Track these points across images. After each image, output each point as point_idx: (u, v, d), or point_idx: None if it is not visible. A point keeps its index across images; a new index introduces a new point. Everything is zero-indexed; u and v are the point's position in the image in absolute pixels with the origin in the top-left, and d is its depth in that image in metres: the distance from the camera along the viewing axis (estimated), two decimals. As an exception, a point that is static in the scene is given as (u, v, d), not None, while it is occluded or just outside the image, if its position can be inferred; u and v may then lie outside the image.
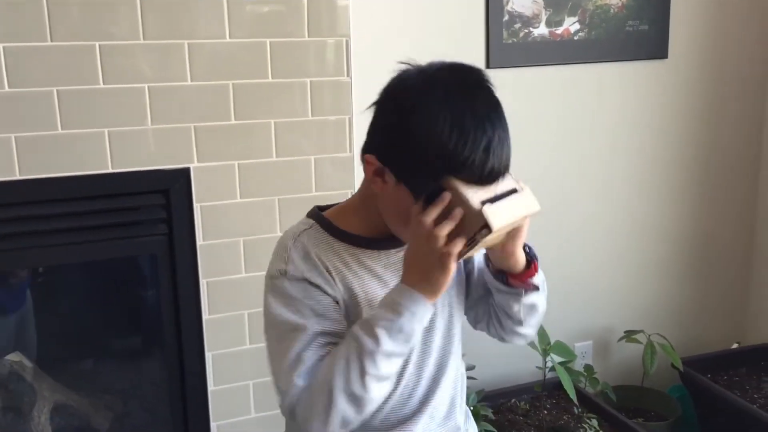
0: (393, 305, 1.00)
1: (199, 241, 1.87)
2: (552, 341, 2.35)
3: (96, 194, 1.78)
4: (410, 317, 1.00)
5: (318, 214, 1.14)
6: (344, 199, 1.19)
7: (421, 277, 1.00)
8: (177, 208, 1.84)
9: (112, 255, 1.87)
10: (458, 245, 0.98)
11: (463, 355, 1.28)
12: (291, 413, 1.05)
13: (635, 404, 2.53)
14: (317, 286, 1.06)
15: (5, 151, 1.68)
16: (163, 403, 1.99)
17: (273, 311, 1.07)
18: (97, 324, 2.03)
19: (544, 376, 2.37)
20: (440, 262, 0.99)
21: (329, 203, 1.19)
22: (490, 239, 1.01)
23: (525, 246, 1.13)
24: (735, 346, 2.74)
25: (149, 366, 2.05)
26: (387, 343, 0.99)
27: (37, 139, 1.70)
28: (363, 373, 0.99)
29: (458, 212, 0.99)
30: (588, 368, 2.47)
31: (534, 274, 1.15)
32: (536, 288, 1.16)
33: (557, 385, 2.34)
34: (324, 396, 1.00)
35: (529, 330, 1.22)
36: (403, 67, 1.06)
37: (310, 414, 1.02)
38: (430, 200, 1.00)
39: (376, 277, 1.11)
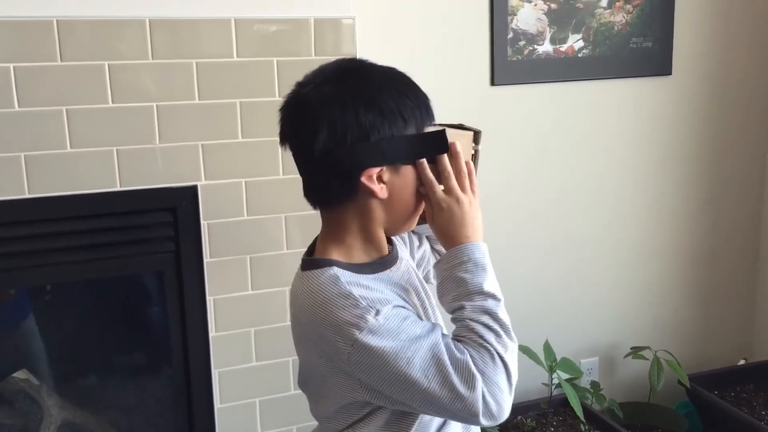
0: (464, 270, 1.08)
1: (206, 259, 1.88)
2: (558, 358, 2.34)
3: (104, 212, 1.80)
4: (487, 267, 1.10)
5: (329, 267, 1.08)
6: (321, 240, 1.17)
7: (453, 225, 1.10)
8: (184, 225, 1.85)
9: (119, 272, 1.88)
10: (473, 174, 1.13)
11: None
12: (486, 411, 1.03)
13: (642, 421, 2.51)
14: (397, 305, 1.06)
15: (15, 170, 1.70)
16: (169, 421, 1.99)
17: (391, 355, 1.01)
18: (104, 341, 2.03)
19: (551, 392, 2.36)
20: (468, 199, 1.11)
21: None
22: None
23: None
24: (742, 362, 2.73)
25: (156, 383, 2.06)
26: (492, 303, 1.08)
27: (47, 157, 1.72)
28: (495, 346, 1.05)
29: (457, 149, 1.10)
30: (594, 385, 2.46)
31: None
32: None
33: (564, 402, 2.33)
34: (492, 386, 1.03)
35: None
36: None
37: (496, 389, 1.03)
38: (432, 161, 1.11)
39: (404, 290, 1.14)
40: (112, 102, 1.75)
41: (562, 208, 2.48)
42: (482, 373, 1.02)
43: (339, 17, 1.88)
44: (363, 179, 1.06)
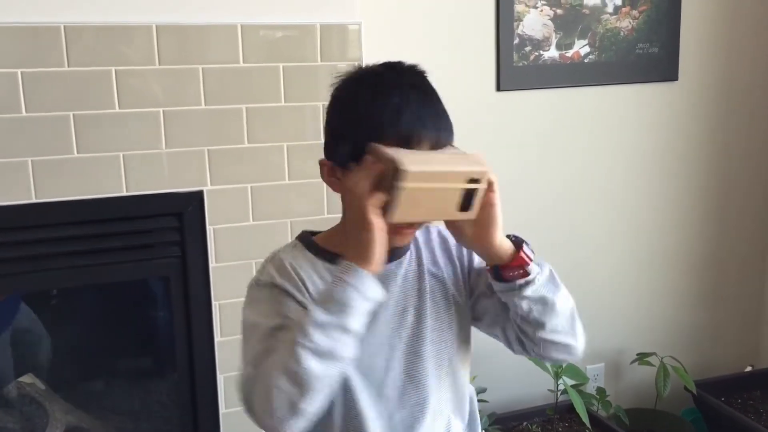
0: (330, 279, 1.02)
1: (212, 264, 1.88)
2: (564, 364, 2.33)
3: (110, 217, 1.80)
4: (342, 284, 0.96)
5: (303, 235, 1.17)
6: None
7: (352, 243, 1.00)
8: (190, 230, 1.86)
9: (125, 277, 1.89)
10: (377, 197, 0.97)
11: (474, 378, 1.28)
12: (247, 408, 1.01)
13: (648, 427, 2.51)
14: (285, 291, 1.06)
15: (22, 175, 1.70)
16: (174, 425, 2.00)
17: (243, 319, 1.08)
18: (110, 346, 2.04)
19: (556, 398, 2.36)
20: (362, 219, 0.97)
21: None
22: (420, 195, 0.97)
23: (511, 236, 1.11)
24: (749, 369, 2.72)
25: (161, 388, 2.06)
26: (317, 311, 0.95)
27: (54, 162, 1.72)
28: (294, 344, 0.94)
29: (375, 166, 0.99)
30: (600, 391, 2.46)
31: (523, 262, 1.08)
32: (528, 275, 1.08)
33: (569, 408, 2.32)
34: (264, 379, 0.96)
35: (561, 336, 1.13)
36: None
37: (253, 400, 0.98)
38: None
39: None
40: (119, 107, 1.75)
41: (567, 214, 2.48)
42: (247, 396, 1.01)
43: (345, 23, 1.89)
44: (320, 162, 1.12)
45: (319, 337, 0.94)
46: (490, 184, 1.04)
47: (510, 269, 1.08)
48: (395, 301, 1.13)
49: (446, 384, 1.18)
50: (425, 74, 1.12)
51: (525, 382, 2.44)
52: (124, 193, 1.78)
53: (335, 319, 0.95)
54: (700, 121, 2.58)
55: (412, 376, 1.14)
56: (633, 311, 2.63)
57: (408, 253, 1.17)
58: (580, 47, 2.38)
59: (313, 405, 0.96)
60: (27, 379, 1.93)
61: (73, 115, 1.72)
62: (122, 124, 1.76)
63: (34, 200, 1.72)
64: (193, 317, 1.89)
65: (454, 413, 1.20)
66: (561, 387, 2.31)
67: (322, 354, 0.94)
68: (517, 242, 1.10)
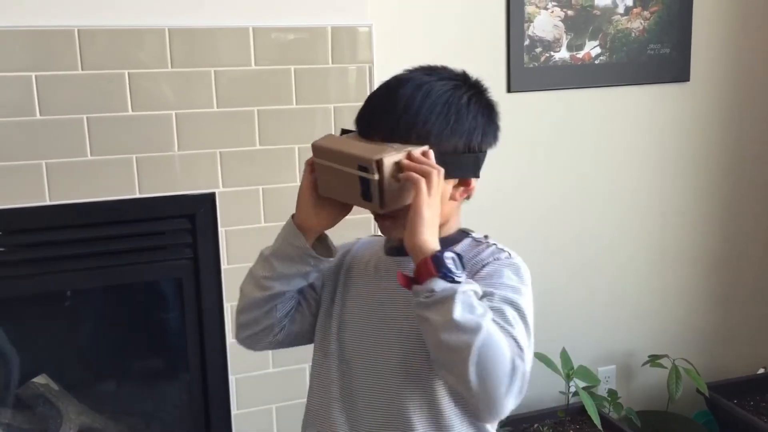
0: None
1: (224, 265, 1.89)
2: (575, 366, 2.33)
3: (123, 219, 1.81)
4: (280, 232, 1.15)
5: None
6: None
7: None
8: (202, 232, 1.87)
9: (138, 279, 1.90)
10: (308, 162, 1.11)
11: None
12: None
13: (660, 430, 2.49)
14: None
15: (36, 177, 1.72)
16: (187, 426, 2.01)
17: None
18: (123, 347, 2.05)
19: (568, 401, 2.35)
20: None
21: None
22: (329, 173, 1.07)
23: (445, 253, 0.99)
24: (761, 371, 2.70)
25: (174, 389, 2.07)
26: (268, 249, 1.16)
27: (67, 165, 1.74)
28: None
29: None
30: (612, 393, 2.45)
31: (421, 273, 0.98)
32: (422, 301, 0.97)
33: (581, 411, 2.32)
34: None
35: (445, 375, 1.01)
36: None
37: None
38: None
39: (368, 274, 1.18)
40: (132, 110, 1.77)
41: (579, 215, 2.47)
42: None
43: (356, 25, 1.90)
44: None
45: (255, 265, 1.17)
46: (416, 182, 1.01)
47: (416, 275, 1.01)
48: (374, 291, 1.16)
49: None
50: (457, 83, 1.10)
51: (536, 384, 2.40)
52: (137, 195, 1.80)
53: (268, 253, 1.15)
54: (713, 122, 2.57)
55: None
56: (645, 313, 2.62)
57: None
58: (591, 48, 2.37)
59: (240, 317, 1.19)
60: (41, 379, 1.94)
61: (87, 117, 1.74)
62: (135, 127, 1.77)
63: (48, 202, 1.73)
64: (205, 319, 1.90)
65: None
66: (572, 389, 2.31)
67: (250, 276, 1.18)
68: (437, 258, 0.98)
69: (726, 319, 2.73)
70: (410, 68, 1.14)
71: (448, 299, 0.94)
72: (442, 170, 1.03)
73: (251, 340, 1.20)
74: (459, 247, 1.12)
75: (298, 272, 1.14)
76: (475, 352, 0.92)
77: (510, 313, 1.01)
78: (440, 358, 0.98)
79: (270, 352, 1.95)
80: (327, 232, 1.16)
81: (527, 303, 1.06)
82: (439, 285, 0.96)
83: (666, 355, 2.50)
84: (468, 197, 1.15)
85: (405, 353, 1.09)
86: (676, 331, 2.66)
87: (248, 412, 1.97)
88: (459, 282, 0.96)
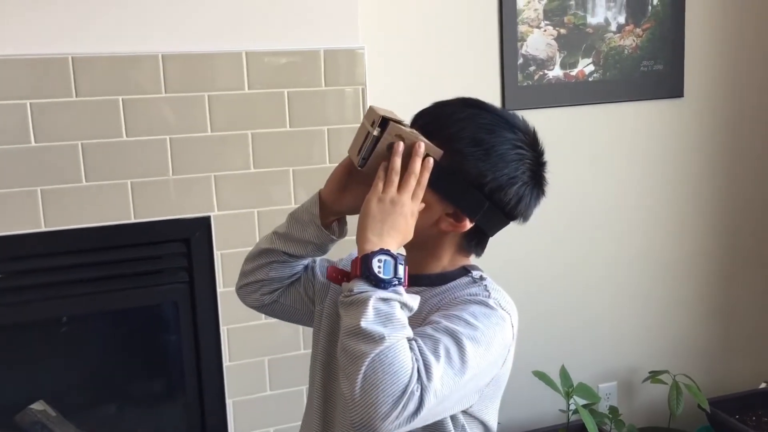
0: None
1: (220, 289, 1.89)
2: (575, 383, 2.32)
3: (119, 244, 1.82)
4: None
5: None
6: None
7: None
8: (198, 256, 1.87)
9: (134, 303, 1.91)
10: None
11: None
12: None
13: (662, 446, 2.48)
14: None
15: (31, 204, 1.73)
16: (185, 450, 2.00)
17: None
18: (120, 371, 2.04)
19: (568, 418, 2.34)
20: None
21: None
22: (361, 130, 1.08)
23: (376, 255, 0.96)
24: (763, 385, 2.69)
25: (171, 412, 2.06)
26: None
27: (62, 191, 1.75)
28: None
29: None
30: (613, 410, 2.44)
31: (352, 274, 0.97)
32: (341, 299, 0.96)
33: (582, 428, 2.30)
34: None
35: (345, 385, 0.93)
36: None
37: None
38: None
39: None
40: (126, 135, 1.78)
41: (575, 232, 2.47)
42: None
43: (348, 48, 1.91)
44: None
45: (276, 227, 1.21)
46: (391, 166, 1.02)
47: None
48: None
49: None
50: (516, 130, 1.10)
51: (536, 403, 2.42)
52: (132, 220, 1.81)
53: (289, 213, 1.19)
54: (707, 137, 2.58)
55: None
56: (645, 329, 2.62)
57: (438, 287, 1.11)
58: (585, 66, 2.38)
59: (243, 265, 1.25)
60: (38, 406, 1.93)
61: (82, 144, 1.75)
62: (130, 152, 1.78)
63: (43, 229, 1.74)
64: (202, 342, 1.90)
65: None
66: (573, 407, 2.30)
67: (266, 235, 1.23)
68: (365, 258, 0.95)
69: (726, 334, 2.72)
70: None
71: (363, 303, 0.92)
72: (425, 181, 1.02)
73: (243, 291, 1.25)
74: (451, 285, 1.10)
75: (303, 238, 1.15)
76: (368, 362, 0.89)
77: (444, 344, 0.95)
78: (341, 360, 0.94)
79: (266, 374, 1.96)
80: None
81: (477, 343, 0.98)
82: (359, 287, 0.94)
83: (666, 371, 2.49)
84: (472, 250, 1.13)
85: None
86: (676, 346, 2.65)
87: (246, 435, 1.97)
88: (383, 288, 0.93)
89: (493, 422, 1.12)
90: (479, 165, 1.04)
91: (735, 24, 2.54)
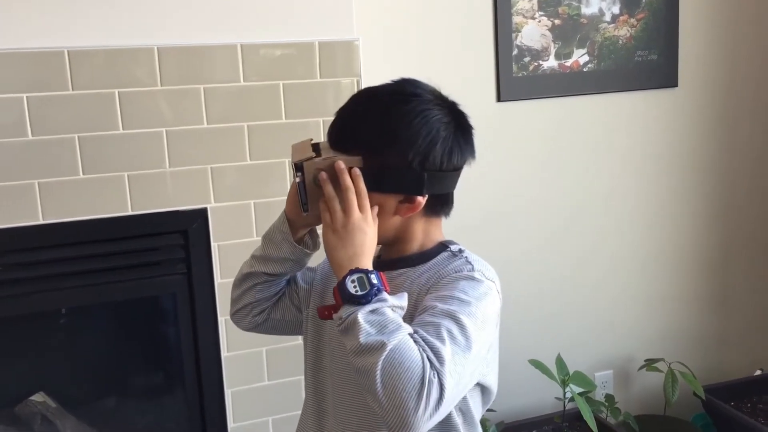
0: None
1: (217, 280, 1.90)
2: (571, 371, 2.34)
3: (116, 236, 1.83)
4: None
5: None
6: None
7: None
8: (195, 247, 1.88)
9: (133, 295, 1.92)
10: None
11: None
12: None
13: (658, 434, 2.50)
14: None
15: (29, 197, 1.74)
16: (184, 441, 2.01)
17: None
18: (118, 363, 2.06)
19: (564, 406, 2.36)
20: None
21: None
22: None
23: (348, 278, 1.00)
24: (758, 372, 2.70)
25: (170, 403, 2.08)
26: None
27: (60, 184, 1.76)
28: None
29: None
30: (609, 398, 2.46)
31: (336, 304, 1.01)
32: (338, 329, 1.00)
33: (578, 416, 2.32)
34: None
35: (371, 399, 0.96)
36: None
37: None
38: None
39: None
40: (123, 128, 1.79)
41: (571, 222, 2.48)
42: None
43: (343, 40, 1.92)
44: None
45: (257, 248, 1.25)
46: (326, 198, 1.06)
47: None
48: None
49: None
50: (418, 98, 1.10)
51: (532, 391, 2.44)
52: (130, 213, 1.81)
53: (263, 235, 1.23)
54: (702, 127, 2.59)
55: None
56: (640, 317, 2.63)
57: (418, 267, 1.14)
58: (579, 56, 2.39)
59: (232, 292, 1.29)
60: (38, 397, 1.95)
61: (78, 137, 1.76)
62: (126, 145, 1.79)
63: (41, 221, 1.75)
64: (200, 333, 1.92)
65: None
66: (569, 395, 2.31)
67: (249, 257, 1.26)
68: (340, 285, 1.00)
69: (721, 322, 2.74)
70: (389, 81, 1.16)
71: (354, 324, 0.96)
72: (361, 188, 1.05)
73: (236, 317, 1.29)
74: (431, 262, 1.13)
75: (280, 256, 1.20)
76: (380, 370, 0.93)
77: (446, 327, 0.99)
78: (358, 380, 0.98)
79: (264, 364, 1.97)
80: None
81: (474, 317, 1.02)
82: (346, 311, 0.98)
83: (662, 359, 2.51)
84: (440, 215, 1.15)
85: None
86: (672, 334, 2.67)
87: (244, 425, 1.98)
88: (365, 303, 0.97)
89: (494, 386, 1.16)
90: (395, 149, 1.08)
91: (729, 13, 2.54)
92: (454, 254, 1.14)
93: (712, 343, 2.73)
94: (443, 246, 1.16)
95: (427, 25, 2.23)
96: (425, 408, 0.92)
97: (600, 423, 2.29)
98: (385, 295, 0.99)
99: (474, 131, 1.15)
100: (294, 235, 1.18)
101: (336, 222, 1.05)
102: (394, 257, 1.14)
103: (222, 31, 1.83)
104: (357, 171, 1.06)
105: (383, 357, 0.93)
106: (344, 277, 1.00)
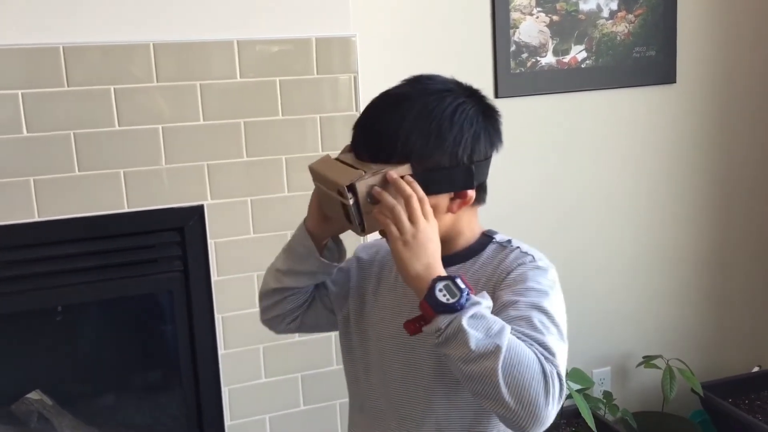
0: None
1: (214, 277, 1.90)
2: (569, 368, 2.34)
3: (112, 233, 1.82)
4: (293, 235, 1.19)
5: None
6: None
7: None
8: (192, 245, 1.88)
9: (129, 292, 1.91)
10: None
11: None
12: None
13: (656, 430, 2.50)
14: (356, 258, 1.27)
15: (24, 194, 1.73)
16: (181, 438, 2.01)
17: None
18: (115, 360, 2.06)
19: (562, 403, 2.35)
20: None
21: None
22: (324, 194, 1.11)
23: (436, 286, 0.97)
24: (756, 369, 2.71)
25: (167, 401, 2.07)
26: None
27: (55, 181, 1.75)
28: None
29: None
30: (607, 395, 2.45)
31: (425, 311, 0.98)
32: (437, 341, 0.97)
33: (576, 413, 2.32)
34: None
35: (483, 400, 0.96)
36: None
37: None
38: None
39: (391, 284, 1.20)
40: (119, 125, 1.78)
41: (569, 218, 2.48)
42: None
43: (340, 36, 1.91)
44: None
45: (277, 257, 1.23)
46: (391, 209, 1.02)
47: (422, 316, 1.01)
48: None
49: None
50: (443, 93, 1.08)
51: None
52: (126, 210, 1.81)
53: (284, 247, 1.21)
54: (700, 123, 2.58)
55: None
56: (639, 314, 2.63)
57: (469, 262, 1.14)
58: (577, 53, 2.39)
59: (260, 302, 1.26)
60: (34, 395, 1.94)
61: (74, 133, 1.75)
62: (122, 142, 1.78)
63: (36, 219, 1.74)
64: (197, 330, 1.91)
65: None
66: (566, 392, 2.31)
67: (271, 266, 1.24)
68: (430, 297, 0.97)
69: (719, 319, 2.74)
70: (403, 80, 1.13)
71: (459, 332, 0.94)
72: (422, 194, 1.03)
73: (270, 323, 1.28)
74: (483, 256, 1.14)
75: (306, 270, 1.18)
76: (501, 373, 0.92)
77: (538, 318, 1.01)
78: (472, 388, 0.96)
79: (261, 362, 1.97)
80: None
81: (555, 304, 1.05)
82: (444, 321, 0.95)
83: (660, 356, 2.50)
84: (480, 203, 1.15)
85: (437, 360, 1.10)
86: (669, 331, 2.67)
87: (241, 422, 1.98)
88: (461, 309, 0.95)
89: None
90: (445, 149, 1.06)
91: (727, 9, 2.54)
92: (503, 245, 1.15)
93: (710, 339, 2.73)
94: (487, 237, 1.16)
95: (424, 21, 2.22)
96: (554, 400, 0.94)
97: (598, 420, 2.29)
98: (475, 297, 0.97)
99: (500, 114, 1.15)
100: (317, 246, 1.16)
101: (405, 234, 1.01)
102: (444, 255, 1.08)
103: (218, 27, 1.82)
104: (410, 178, 1.04)
105: (501, 360, 0.92)
106: (431, 288, 0.97)
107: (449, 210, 1.10)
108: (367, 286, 1.23)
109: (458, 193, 1.10)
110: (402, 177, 1.04)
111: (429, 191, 1.05)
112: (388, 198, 1.03)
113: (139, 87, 1.78)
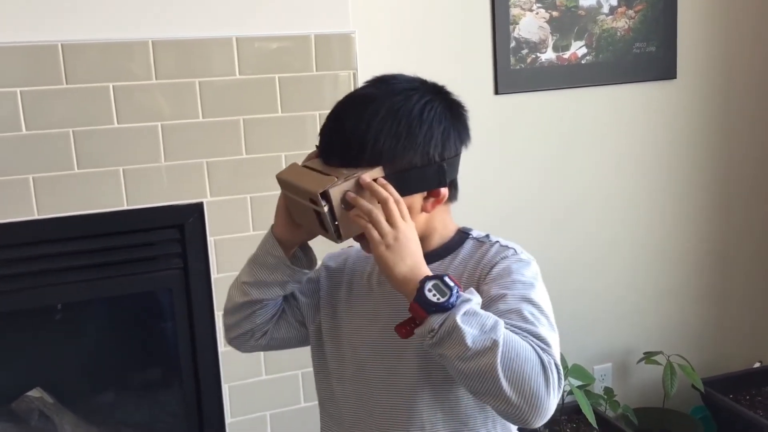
0: None
1: (214, 275, 1.90)
2: (570, 364, 2.34)
3: (112, 231, 1.82)
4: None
5: None
6: None
7: None
8: (191, 242, 1.87)
9: (129, 290, 1.91)
10: None
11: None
12: None
13: (657, 427, 2.50)
14: (325, 267, 1.24)
15: (24, 191, 1.73)
16: (181, 436, 2.01)
17: None
18: (115, 358, 2.06)
19: (563, 400, 2.35)
20: None
21: None
22: (294, 203, 1.09)
23: (425, 286, 0.97)
24: (757, 365, 2.70)
25: (167, 398, 2.08)
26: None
27: (54, 179, 1.75)
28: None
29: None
30: (608, 391, 2.45)
31: (416, 314, 0.96)
32: (431, 342, 0.95)
33: (577, 409, 2.32)
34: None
35: (482, 397, 0.96)
36: None
37: None
38: None
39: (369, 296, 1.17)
40: (118, 122, 1.78)
41: (570, 215, 2.48)
42: None
43: (339, 32, 1.90)
44: None
45: (241, 270, 1.20)
46: (367, 214, 1.00)
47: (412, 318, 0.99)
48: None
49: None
50: (409, 93, 1.06)
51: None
52: (125, 207, 1.81)
53: (249, 259, 1.18)
54: (701, 119, 2.58)
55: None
56: (639, 310, 2.63)
57: (448, 259, 1.13)
58: (577, 48, 2.38)
59: (225, 318, 1.22)
60: (35, 393, 1.94)
61: (73, 131, 1.75)
62: (121, 139, 1.78)
63: (36, 216, 1.74)
64: (197, 328, 1.91)
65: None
66: (568, 388, 2.31)
67: (235, 281, 1.21)
68: (420, 298, 0.95)
69: (720, 315, 2.74)
70: (366, 82, 1.12)
71: (454, 330, 0.93)
72: (397, 195, 1.01)
73: (236, 341, 1.24)
74: (462, 252, 1.13)
75: (276, 281, 1.15)
76: (501, 368, 0.92)
77: (528, 310, 1.01)
78: (470, 386, 0.96)
79: (262, 358, 1.97)
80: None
81: (542, 295, 1.06)
82: (437, 321, 0.94)
83: (661, 352, 2.50)
84: (453, 200, 1.13)
85: (421, 363, 1.08)
86: (670, 327, 2.67)
87: (242, 419, 1.98)
88: (453, 307, 0.94)
89: None
90: (416, 149, 1.05)
91: (727, 5, 2.53)
92: (482, 241, 1.14)
93: (710, 335, 2.73)
94: (464, 234, 1.15)
95: (424, 18, 2.22)
96: (554, 390, 0.94)
97: (599, 416, 2.29)
98: (464, 294, 0.97)
99: (466, 110, 1.13)
100: (287, 254, 1.13)
101: (387, 237, 1.00)
102: (424, 252, 1.07)
103: (217, 24, 1.82)
104: (383, 181, 1.03)
105: (499, 354, 0.92)
106: (420, 289, 0.96)
107: (424, 209, 1.09)
108: (339, 295, 1.20)
109: (431, 192, 1.08)
110: (375, 180, 1.03)
111: (403, 192, 1.04)
112: (364, 203, 1.01)
113: (138, 84, 1.78)
